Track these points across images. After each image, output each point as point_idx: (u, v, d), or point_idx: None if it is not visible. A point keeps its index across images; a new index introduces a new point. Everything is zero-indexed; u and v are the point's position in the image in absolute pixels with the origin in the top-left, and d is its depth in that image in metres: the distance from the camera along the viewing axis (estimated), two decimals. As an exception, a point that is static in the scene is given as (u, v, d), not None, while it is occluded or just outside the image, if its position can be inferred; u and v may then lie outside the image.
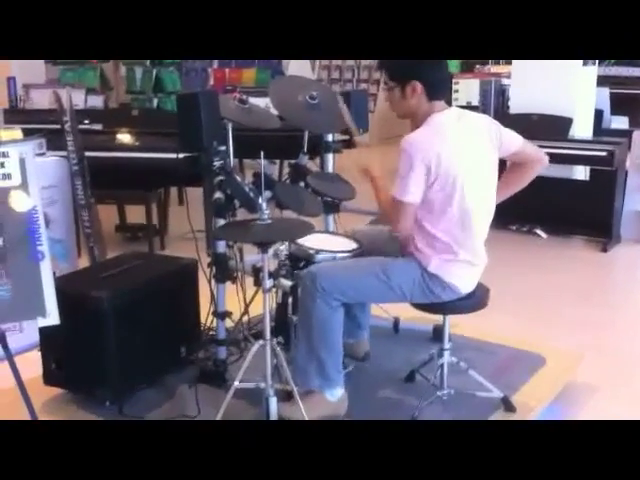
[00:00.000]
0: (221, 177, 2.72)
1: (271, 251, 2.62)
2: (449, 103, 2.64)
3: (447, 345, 2.78)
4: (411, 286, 2.58)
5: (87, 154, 4.06)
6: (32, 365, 2.86)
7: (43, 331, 2.72)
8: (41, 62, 7.72)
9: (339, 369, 2.67)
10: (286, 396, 2.64)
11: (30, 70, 7.09)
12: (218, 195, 2.74)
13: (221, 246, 2.90)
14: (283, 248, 2.77)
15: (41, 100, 6.55)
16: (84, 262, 4.05)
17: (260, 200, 2.48)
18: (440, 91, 2.59)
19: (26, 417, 2.34)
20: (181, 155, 2.92)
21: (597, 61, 5.63)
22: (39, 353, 2.94)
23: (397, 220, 2.56)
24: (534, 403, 2.83)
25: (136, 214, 5.47)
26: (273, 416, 2.50)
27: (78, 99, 6.15)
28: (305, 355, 2.63)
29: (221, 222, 2.81)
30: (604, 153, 5.12)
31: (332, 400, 2.65)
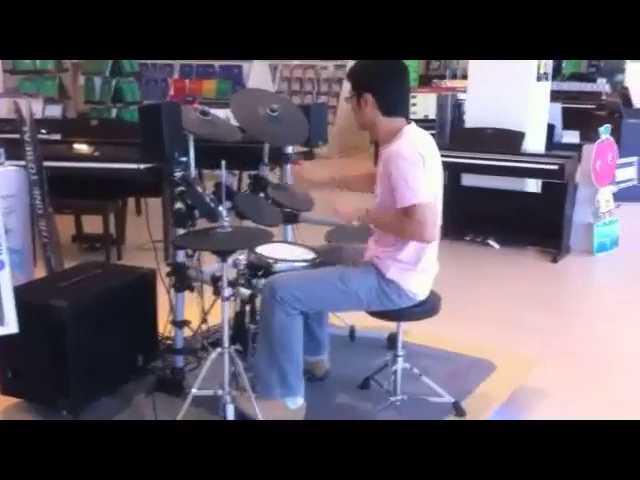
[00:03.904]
0: (182, 187, 2.76)
1: (230, 260, 2.66)
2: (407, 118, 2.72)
3: (400, 352, 2.86)
4: (368, 293, 2.65)
5: (45, 164, 4.05)
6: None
7: (0, 340, 2.72)
8: (-1, 71, 7.66)
9: (300, 377, 2.71)
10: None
11: (-13, 79, 7.03)
12: (179, 205, 2.78)
13: (181, 255, 2.94)
14: (242, 257, 2.82)
15: (-1, 109, 6.48)
16: (40, 273, 4.03)
17: (221, 209, 2.52)
18: (395, 107, 2.65)
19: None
20: (142, 166, 2.94)
21: (550, 77, 5.80)
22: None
23: (424, 226, 2.48)
24: (484, 407, 2.92)
25: (93, 224, 5.45)
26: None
27: (36, 108, 6.09)
28: (266, 365, 2.67)
29: (181, 232, 2.84)
30: (555, 167, 5.28)
31: (292, 407, 2.69)
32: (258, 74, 9.68)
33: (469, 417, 2.83)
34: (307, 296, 2.63)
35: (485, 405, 2.95)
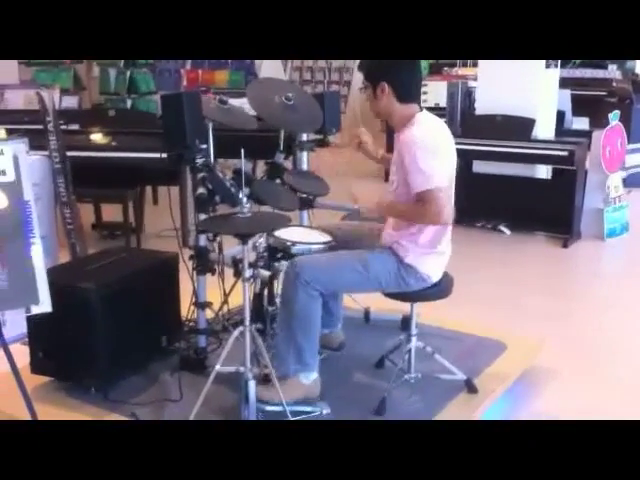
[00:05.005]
0: (204, 173, 2.86)
1: (250, 243, 2.76)
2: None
3: (414, 331, 2.96)
4: (387, 277, 2.76)
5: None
6: (16, 357, 2.96)
7: (31, 321, 2.84)
8: (14, 63, 7.75)
9: (315, 356, 2.82)
10: (263, 380, 2.79)
11: (4, 71, 7.11)
12: (201, 190, 2.88)
13: (202, 239, 3.05)
14: (261, 241, 2.92)
15: (16, 101, 6.59)
16: (64, 259, 4.15)
17: (241, 195, 2.63)
18: (410, 94, 2.75)
19: (19, 402, 2.46)
20: (165, 154, 3.04)
21: (559, 63, 5.86)
22: (22, 346, 3.05)
23: (439, 209, 2.60)
24: (495, 385, 3.02)
25: (111, 213, 5.57)
26: (252, 399, 2.65)
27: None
28: (284, 342, 2.78)
29: (203, 217, 2.94)
30: (565, 153, 5.35)
31: (306, 382, 2.80)
32: (270, 64, 9.73)
33: (480, 394, 2.93)
34: (330, 279, 2.75)
35: (496, 383, 3.04)
